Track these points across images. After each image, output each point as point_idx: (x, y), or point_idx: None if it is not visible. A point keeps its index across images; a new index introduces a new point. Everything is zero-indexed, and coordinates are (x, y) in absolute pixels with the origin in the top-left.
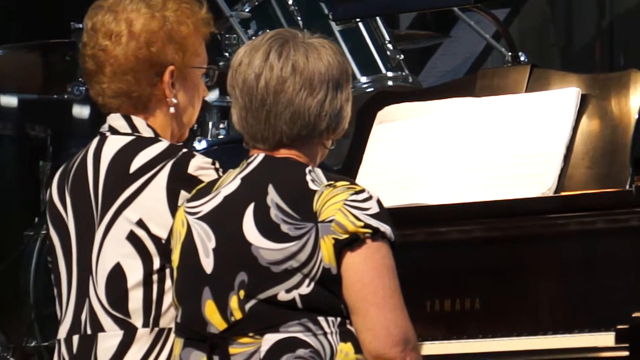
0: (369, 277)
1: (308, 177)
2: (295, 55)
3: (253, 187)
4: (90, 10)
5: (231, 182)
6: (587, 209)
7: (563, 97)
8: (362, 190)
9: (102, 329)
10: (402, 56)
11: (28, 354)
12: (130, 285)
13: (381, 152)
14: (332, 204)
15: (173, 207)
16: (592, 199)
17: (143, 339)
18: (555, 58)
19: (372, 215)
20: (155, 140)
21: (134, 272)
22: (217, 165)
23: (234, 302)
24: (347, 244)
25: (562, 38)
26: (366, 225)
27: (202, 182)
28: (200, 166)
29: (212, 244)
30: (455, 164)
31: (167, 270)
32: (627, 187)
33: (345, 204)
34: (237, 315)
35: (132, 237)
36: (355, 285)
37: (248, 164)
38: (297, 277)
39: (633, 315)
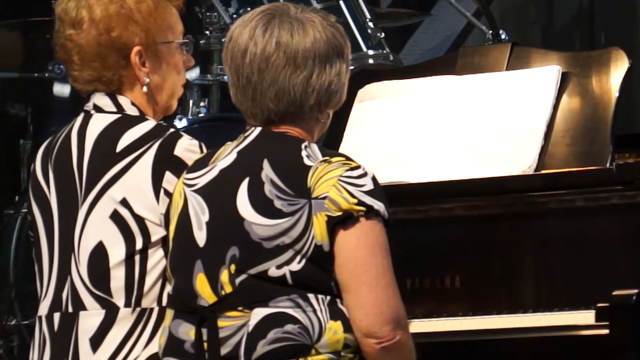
0: (361, 255)
1: (303, 153)
2: (279, 32)
3: (248, 162)
4: None
5: (228, 156)
6: (568, 187)
7: (544, 75)
8: (358, 167)
9: (83, 307)
10: (383, 34)
11: (8, 332)
12: (112, 264)
13: (362, 131)
14: (327, 179)
15: (157, 188)
16: (573, 176)
17: (125, 319)
18: (536, 36)
19: (367, 192)
20: (141, 119)
21: (116, 251)
22: (204, 148)
23: (224, 276)
24: (341, 221)
25: (543, 16)
26: (360, 203)
27: (187, 165)
28: (187, 148)
29: (205, 217)
30: (436, 142)
31: (150, 251)
32: (608, 165)
33: (339, 180)
34: (228, 289)
35: (116, 217)
36: (348, 263)
37: (245, 138)
38: (289, 254)
39: (613, 293)
